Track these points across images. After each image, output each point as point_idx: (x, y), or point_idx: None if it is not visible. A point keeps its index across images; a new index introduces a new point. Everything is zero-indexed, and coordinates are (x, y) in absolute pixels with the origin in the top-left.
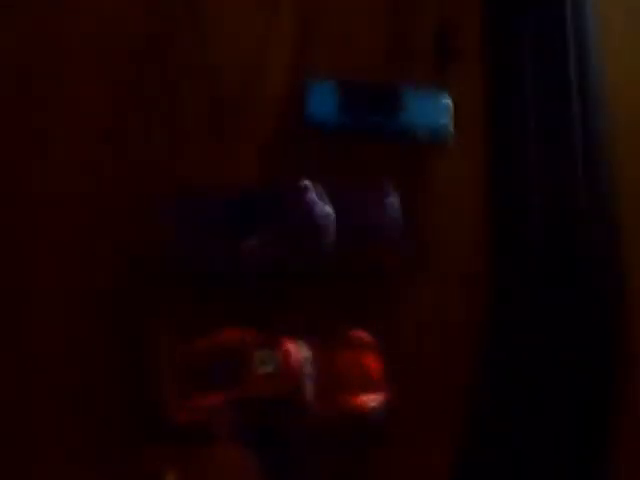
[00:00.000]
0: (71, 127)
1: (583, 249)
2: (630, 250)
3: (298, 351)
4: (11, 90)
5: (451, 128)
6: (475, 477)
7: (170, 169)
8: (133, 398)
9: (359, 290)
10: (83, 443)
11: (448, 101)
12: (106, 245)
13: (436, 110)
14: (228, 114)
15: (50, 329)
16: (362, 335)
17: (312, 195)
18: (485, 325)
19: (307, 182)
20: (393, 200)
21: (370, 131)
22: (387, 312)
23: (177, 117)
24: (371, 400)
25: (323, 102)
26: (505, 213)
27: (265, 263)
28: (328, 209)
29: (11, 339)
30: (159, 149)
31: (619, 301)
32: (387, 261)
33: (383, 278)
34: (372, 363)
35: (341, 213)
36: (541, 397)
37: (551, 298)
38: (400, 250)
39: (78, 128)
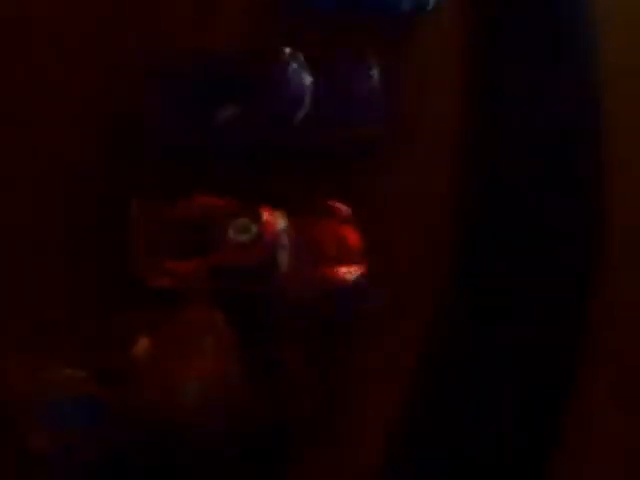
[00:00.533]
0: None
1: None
2: None
3: (275, 221)
4: None
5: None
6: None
7: (152, 38)
8: (109, 265)
9: (339, 163)
10: (55, 309)
11: None
12: (90, 118)
13: None
14: None
15: (34, 194)
16: (340, 207)
17: (293, 64)
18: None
19: (289, 50)
20: (375, 72)
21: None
22: (368, 185)
23: None
24: (348, 272)
25: None
26: (493, 84)
27: (242, 133)
28: (308, 79)
29: None
30: (140, 19)
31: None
32: (369, 133)
33: (365, 151)
34: (350, 235)
35: (322, 84)
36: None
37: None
38: (382, 122)
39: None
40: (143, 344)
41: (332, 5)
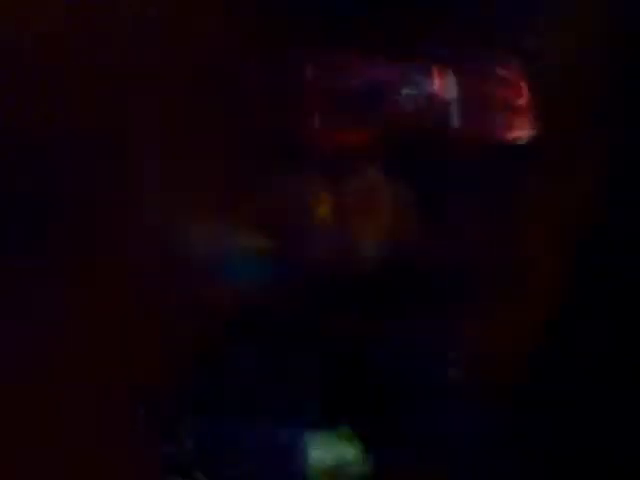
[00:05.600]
0: None
1: None
2: None
3: (445, 78)
4: None
5: None
6: None
7: None
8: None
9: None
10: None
11: None
12: None
13: None
14: None
15: None
16: (509, 63)
17: None
18: None
19: None
20: None
21: None
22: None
23: None
24: (518, 127)
25: None
26: None
27: None
28: None
29: None
30: None
31: None
32: None
33: None
34: (519, 91)
35: None
36: None
37: None
38: None
39: None
40: (321, 202)
41: None
